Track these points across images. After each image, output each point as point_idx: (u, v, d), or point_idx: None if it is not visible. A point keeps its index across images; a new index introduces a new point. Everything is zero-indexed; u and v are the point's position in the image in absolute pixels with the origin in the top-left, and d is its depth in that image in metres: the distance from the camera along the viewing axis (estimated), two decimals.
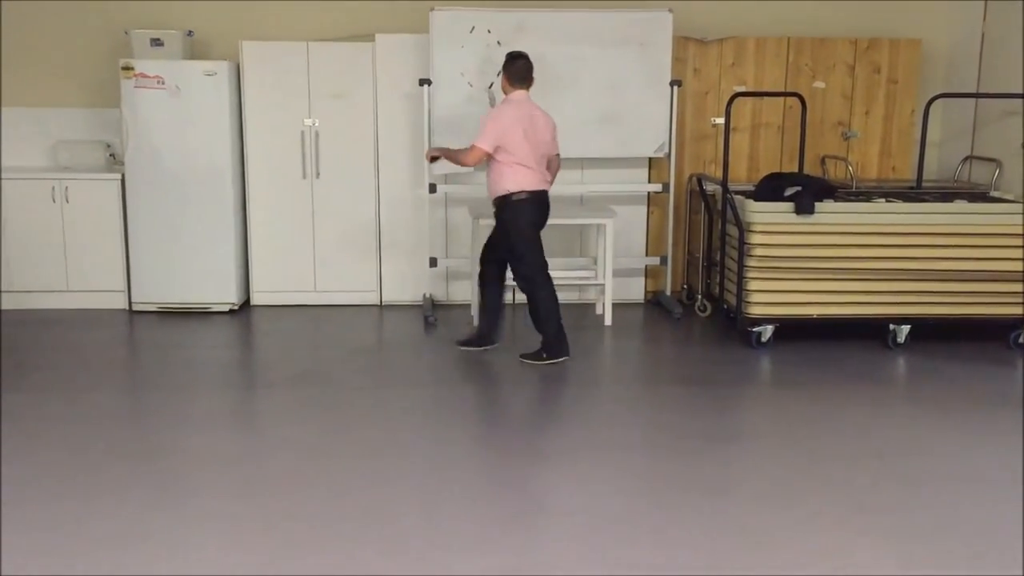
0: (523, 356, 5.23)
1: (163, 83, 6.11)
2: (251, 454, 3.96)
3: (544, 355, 5.20)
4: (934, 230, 5.39)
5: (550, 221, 5.31)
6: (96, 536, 3.16)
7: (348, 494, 3.50)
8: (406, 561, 3.01)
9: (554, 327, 5.17)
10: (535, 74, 5.13)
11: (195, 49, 6.50)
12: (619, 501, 3.47)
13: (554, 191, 6.30)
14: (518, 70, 5.06)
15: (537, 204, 5.09)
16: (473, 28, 6.10)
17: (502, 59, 5.14)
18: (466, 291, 6.50)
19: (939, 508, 3.43)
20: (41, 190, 6.29)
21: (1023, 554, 3.07)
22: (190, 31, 6.39)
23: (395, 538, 3.16)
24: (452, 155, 5.16)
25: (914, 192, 5.91)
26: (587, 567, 2.98)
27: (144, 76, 6.10)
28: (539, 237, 5.17)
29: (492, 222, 5.27)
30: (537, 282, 5.14)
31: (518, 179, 5.00)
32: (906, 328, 5.52)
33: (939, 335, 5.62)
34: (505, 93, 5.13)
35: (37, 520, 3.26)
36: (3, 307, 6.34)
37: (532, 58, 5.11)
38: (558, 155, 5.29)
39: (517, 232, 5.09)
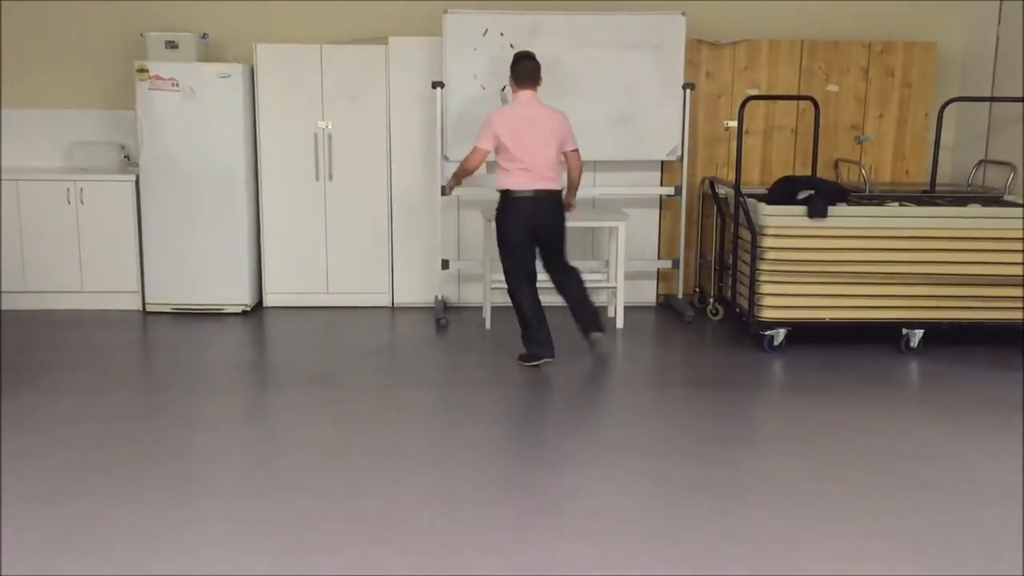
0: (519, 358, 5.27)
1: (177, 85, 6.15)
2: (264, 455, 3.98)
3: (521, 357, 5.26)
4: (948, 234, 5.37)
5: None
6: (108, 534, 3.17)
7: (362, 495, 3.52)
8: (420, 562, 3.01)
9: (524, 330, 5.20)
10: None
11: (209, 51, 6.53)
12: (631, 503, 3.47)
13: None
14: (521, 71, 5.10)
15: (524, 203, 5.07)
16: (486, 31, 6.11)
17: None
18: (477, 293, 6.51)
19: (952, 512, 3.42)
20: (56, 191, 6.33)
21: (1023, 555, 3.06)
22: (204, 34, 6.42)
23: (409, 539, 3.16)
24: (459, 170, 5.28)
25: (928, 196, 5.89)
26: (599, 569, 2.98)
27: (159, 78, 6.13)
28: (525, 239, 5.12)
29: None
30: (510, 284, 5.18)
31: (506, 179, 5.06)
32: (919, 332, 5.50)
33: (952, 340, 5.60)
34: (514, 93, 5.18)
35: (50, 518, 3.28)
36: (20, 308, 6.39)
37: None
38: (575, 152, 5.21)
39: (498, 230, 5.16)
